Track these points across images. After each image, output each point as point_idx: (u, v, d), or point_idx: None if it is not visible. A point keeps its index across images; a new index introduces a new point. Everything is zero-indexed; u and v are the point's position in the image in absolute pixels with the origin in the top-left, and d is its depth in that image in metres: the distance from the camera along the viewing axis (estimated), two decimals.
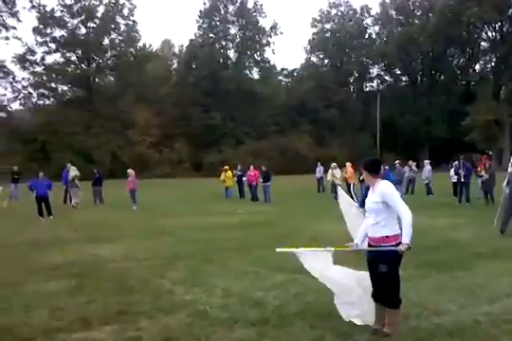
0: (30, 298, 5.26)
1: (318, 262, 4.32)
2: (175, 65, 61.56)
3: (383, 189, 3.84)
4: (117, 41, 49.48)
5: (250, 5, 52.85)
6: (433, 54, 54.39)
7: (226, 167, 19.96)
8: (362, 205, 7.24)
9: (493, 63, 52.52)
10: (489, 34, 50.47)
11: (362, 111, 55.30)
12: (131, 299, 5.09)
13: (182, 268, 6.65)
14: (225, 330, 4.15)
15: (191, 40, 53.59)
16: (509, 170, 10.03)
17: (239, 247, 8.25)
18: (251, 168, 18.83)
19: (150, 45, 57.23)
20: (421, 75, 57.70)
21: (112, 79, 51.92)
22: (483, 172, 15.39)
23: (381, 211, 3.81)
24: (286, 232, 9.75)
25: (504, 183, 9.90)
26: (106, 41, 48.89)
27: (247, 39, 53.17)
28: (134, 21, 49.47)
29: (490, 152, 46.26)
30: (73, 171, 17.27)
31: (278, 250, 4.43)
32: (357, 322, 4.16)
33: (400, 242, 3.81)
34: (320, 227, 9.83)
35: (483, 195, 15.37)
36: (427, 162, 19.45)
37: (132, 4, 49.04)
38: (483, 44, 53.02)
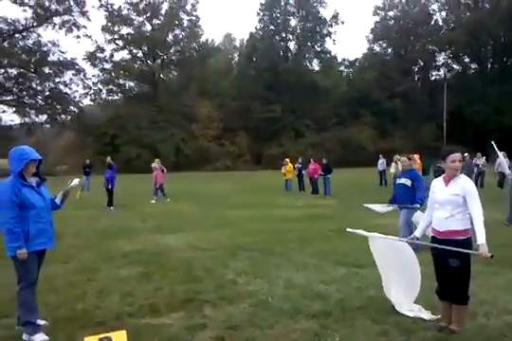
0: (103, 284, 5.59)
1: (386, 250, 4.36)
2: (236, 59, 62.15)
3: (466, 184, 3.80)
4: (180, 36, 50.65)
5: None
6: (505, 39, 51.13)
7: (286, 159, 20.00)
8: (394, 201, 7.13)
9: None
10: None
11: (427, 101, 53.13)
12: (196, 288, 5.28)
13: (245, 259, 6.80)
14: (287, 320, 4.22)
15: (251, 33, 53.85)
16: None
17: (300, 239, 8.30)
18: (312, 161, 18.75)
19: (212, 40, 58.17)
20: (491, 62, 54.54)
21: (176, 74, 53.29)
22: None
23: (460, 205, 3.76)
24: (346, 225, 9.58)
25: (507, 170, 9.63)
26: (170, 37, 50.18)
27: (308, 30, 52.55)
28: (196, 16, 50.44)
29: None
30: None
31: (349, 230, 4.46)
32: (410, 314, 4.14)
33: (470, 237, 3.74)
34: (381, 221, 9.63)
35: None
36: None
37: None
38: None
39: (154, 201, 15.83)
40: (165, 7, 49.59)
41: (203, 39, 52.85)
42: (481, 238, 3.61)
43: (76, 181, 4.46)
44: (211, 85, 50.46)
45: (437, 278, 3.97)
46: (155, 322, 4.27)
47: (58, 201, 4.32)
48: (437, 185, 3.98)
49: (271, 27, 53.24)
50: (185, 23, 50.49)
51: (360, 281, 5.43)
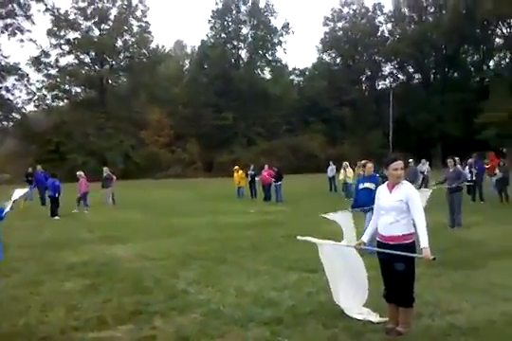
0: (47, 298, 5.35)
1: (334, 255, 4.42)
2: (187, 66, 61.79)
3: (409, 190, 3.92)
4: (130, 42, 49.75)
5: (262, 5, 52.75)
6: (447, 51, 53.79)
7: (236, 167, 20.02)
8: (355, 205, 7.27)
9: (507, 60, 51.85)
10: (504, 30, 49.84)
11: (374, 109, 54.91)
12: (146, 299, 5.15)
13: (196, 268, 6.71)
14: (238, 329, 4.19)
15: (202, 40, 53.77)
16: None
17: (252, 247, 8.30)
18: (266, 167, 18.84)
19: (163, 46, 57.51)
20: (434, 73, 57.09)
21: (125, 80, 52.28)
22: (496, 171, 15.28)
23: (404, 210, 3.87)
24: (298, 232, 9.62)
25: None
26: (119, 42, 49.16)
27: (259, 39, 53.10)
28: (147, 22, 49.75)
29: (504, 150, 45.91)
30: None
31: (299, 238, 4.52)
32: (359, 317, 4.22)
33: (414, 241, 3.86)
34: (332, 227, 9.77)
35: (497, 193, 15.26)
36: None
37: (145, 5, 49.31)
38: (497, 40, 52.41)
39: (75, 210, 15.27)
40: (114, 12, 48.66)
41: (153, 45, 52.19)
42: (423, 242, 3.74)
43: (23, 191, 4.26)
44: (162, 92, 49.85)
45: (384, 282, 4.07)
46: (103, 335, 4.13)
47: (5, 212, 4.10)
48: (382, 191, 4.09)
49: (223, 35, 53.39)
50: (135, 29, 49.72)
51: (311, 286, 5.49)
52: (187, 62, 63.14)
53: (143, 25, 49.68)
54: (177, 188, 27.67)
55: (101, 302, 5.09)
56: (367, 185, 7.56)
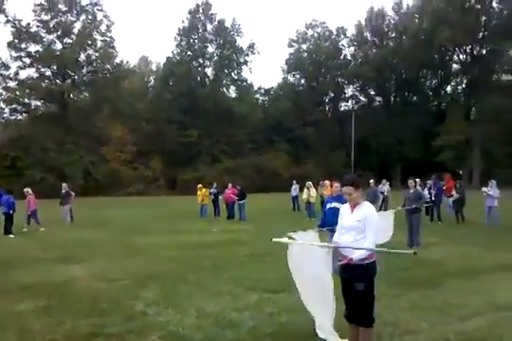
0: None
1: (305, 258, 4.35)
2: (152, 82, 61.52)
3: (369, 211, 3.99)
4: (93, 57, 49.09)
5: (228, 24, 53.54)
6: (406, 75, 55.78)
7: (200, 185, 19.89)
8: (323, 225, 7.32)
9: (464, 85, 54.23)
10: (460, 57, 52.22)
11: (337, 130, 56.07)
12: (102, 321, 4.97)
13: (156, 288, 6.55)
14: None
15: (168, 57, 53.81)
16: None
17: (214, 266, 8.19)
18: (229, 186, 18.80)
19: (127, 62, 57.20)
20: (394, 96, 58.97)
21: (87, 94, 51.44)
22: (453, 192, 15.78)
23: (363, 230, 3.91)
24: (261, 251, 9.73)
25: None
26: (82, 56, 48.49)
27: (225, 58, 53.65)
28: (111, 37, 49.34)
29: (460, 172, 47.54)
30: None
31: (274, 240, 4.50)
32: (319, 333, 4.19)
33: (375, 261, 3.90)
34: None
35: (454, 214, 15.71)
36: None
37: (110, 20, 49.01)
38: (454, 66, 54.72)
39: (25, 229, 14.66)
40: (78, 26, 48.11)
41: (117, 60, 51.76)
42: (358, 254, 3.81)
43: None
44: (125, 107, 49.23)
45: (345, 302, 4.08)
46: None
47: None
48: (344, 211, 4.15)
49: (189, 53, 53.63)
50: (99, 43, 49.17)
51: (273, 307, 5.44)
52: (151, 78, 62.92)
53: (108, 39, 49.25)
54: (139, 206, 27.16)
55: (55, 324, 4.88)
56: (334, 204, 7.63)
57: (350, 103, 61.63)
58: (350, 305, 4.02)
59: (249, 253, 9.44)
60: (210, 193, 19.42)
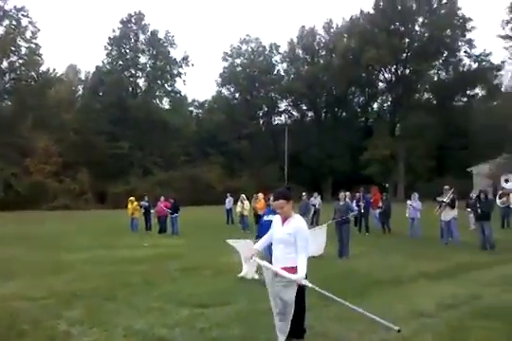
0: None
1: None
2: (81, 91, 59.39)
3: (300, 224, 4.01)
4: (17, 64, 46.74)
5: (162, 35, 53.20)
6: (336, 92, 57.89)
7: (131, 198, 19.34)
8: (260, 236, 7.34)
9: (389, 103, 57.19)
10: (386, 76, 55.08)
11: (271, 144, 56.99)
12: None
13: (81, 307, 6.21)
14: None
15: (98, 66, 52.33)
16: None
17: (144, 282, 7.92)
18: (162, 199, 18.42)
19: (54, 70, 54.89)
20: (325, 111, 61.00)
21: (9, 103, 48.69)
22: (380, 204, 16.48)
23: (292, 243, 3.94)
24: (194, 265, 9.58)
25: None
26: (5, 63, 46.02)
27: (158, 69, 53.11)
28: (37, 44, 47.26)
29: (387, 185, 49.84)
30: None
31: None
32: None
33: (306, 274, 3.94)
34: (228, 259, 9.76)
35: (380, 225, 16.39)
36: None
37: (35, 27, 46.98)
38: (380, 84, 57.53)
39: None
40: (0, 31, 45.69)
41: (43, 68, 49.57)
42: (300, 272, 3.81)
43: None
44: (51, 117, 47.02)
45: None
46: None
47: None
48: (276, 222, 4.16)
49: (120, 62, 52.50)
50: (23, 50, 46.85)
51: (204, 322, 5.33)
52: (80, 87, 60.74)
53: (33, 46, 47.03)
54: (65, 221, 25.89)
55: None
56: (271, 217, 7.69)
57: (283, 118, 63.06)
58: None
59: (181, 267, 9.25)
60: (141, 206, 18.91)
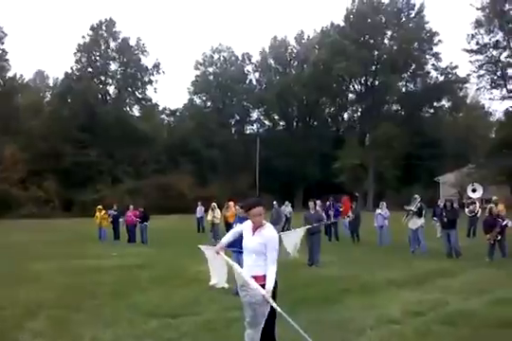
0: None
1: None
2: (49, 98, 58.18)
3: (272, 234, 3.97)
4: None
5: (133, 42, 52.73)
6: (308, 102, 58.57)
7: (99, 206, 18.98)
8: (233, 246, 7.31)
9: (359, 113, 58.23)
10: (356, 87, 56.16)
11: (243, 152, 56.99)
12: None
13: (45, 318, 6.03)
14: None
15: (66, 73, 51.42)
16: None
17: (112, 292, 7.76)
18: (131, 207, 18.14)
19: (21, 76, 53.78)
20: (297, 121, 61.63)
21: None
22: (349, 213, 16.67)
23: (264, 252, 3.91)
24: (163, 274, 9.46)
25: None
26: None
27: (128, 76, 52.60)
28: (3, 50, 46.29)
29: (357, 194, 50.47)
30: None
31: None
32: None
33: (276, 281, 3.94)
34: (199, 268, 9.67)
35: (350, 234, 16.56)
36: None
37: (2, 32, 46.03)
38: (350, 95, 58.59)
39: None
40: None
41: (10, 74, 48.48)
42: (269, 284, 3.79)
43: None
44: (17, 124, 45.84)
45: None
46: None
47: None
48: (246, 230, 4.10)
49: (89, 69, 51.78)
50: None
51: (173, 333, 5.26)
52: (48, 94, 59.56)
53: None
54: (31, 230, 25.15)
55: None
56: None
57: (255, 126, 63.35)
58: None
59: (150, 277, 9.12)
60: (109, 215, 18.57)
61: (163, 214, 35.24)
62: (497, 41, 41.74)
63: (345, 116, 62.26)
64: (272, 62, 60.40)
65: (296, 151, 54.28)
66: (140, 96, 53.86)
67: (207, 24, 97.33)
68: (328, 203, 17.61)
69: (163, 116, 60.71)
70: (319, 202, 15.23)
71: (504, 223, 11.06)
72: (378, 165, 49.90)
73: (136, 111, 54.52)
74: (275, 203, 18.93)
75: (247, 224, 4.12)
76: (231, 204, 16.55)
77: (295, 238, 9.91)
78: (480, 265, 10.36)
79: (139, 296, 7.38)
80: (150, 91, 54.16)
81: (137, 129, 48.71)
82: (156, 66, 53.53)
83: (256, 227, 4.00)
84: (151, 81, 53.58)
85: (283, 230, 19.27)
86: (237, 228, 4.21)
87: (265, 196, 37.56)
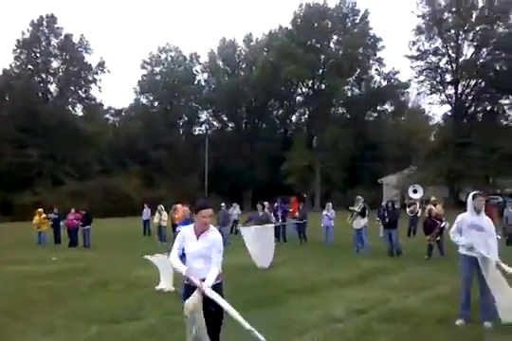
0: None
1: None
2: None
3: (217, 237, 3.93)
4: None
5: (76, 39, 50.81)
6: (256, 104, 58.77)
7: (39, 209, 18.18)
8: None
9: (307, 116, 59.15)
10: (303, 90, 56.97)
11: (191, 154, 56.38)
12: None
13: None
14: None
15: (5, 70, 48.94)
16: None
17: (50, 299, 7.42)
18: (72, 210, 17.49)
19: None
20: (246, 122, 61.70)
21: None
22: (296, 213, 16.88)
23: (210, 256, 3.87)
24: (106, 279, 9.16)
25: None
26: None
27: (71, 74, 50.64)
28: None
29: (305, 195, 51.27)
30: None
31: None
32: None
33: (221, 282, 3.90)
34: (142, 273, 9.47)
35: (297, 235, 16.75)
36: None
37: None
38: (298, 98, 59.32)
39: None
40: None
41: None
42: (209, 281, 3.76)
43: None
44: None
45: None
46: None
47: None
48: (188, 235, 3.97)
49: (29, 67, 49.55)
50: None
51: (114, 339, 5.09)
52: None
53: None
54: None
55: None
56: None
57: (204, 128, 62.88)
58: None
59: (92, 282, 8.81)
60: (49, 218, 17.81)
61: (108, 217, 34.31)
62: (436, 48, 43.71)
63: (293, 118, 63.06)
64: (221, 63, 60.20)
65: (245, 152, 54.39)
66: (84, 95, 52.07)
67: (154, 23, 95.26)
68: (276, 204, 17.73)
69: (108, 115, 59.09)
70: (267, 203, 15.37)
71: (442, 225, 11.55)
72: (325, 167, 50.90)
73: (79, 110, 52.67)
74: (223, 205, 18.83)
75: (189, 230, 4.02)
76: (179, 206, 16.34)
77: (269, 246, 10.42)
78: (420, 263, 10.76)
79: (79, 303, 7.10)
80: (94, 90, 52.49)
81: (81, 129, 47.03)
82: (101, 65, 51.96)
83: (201, 231, 3.93)
84: (95, 80, 51.91)
85: (231, 232, 19.28)
86: (176, 245, 4.06)
87: (213, 198, 37.36)
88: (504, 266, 5.26)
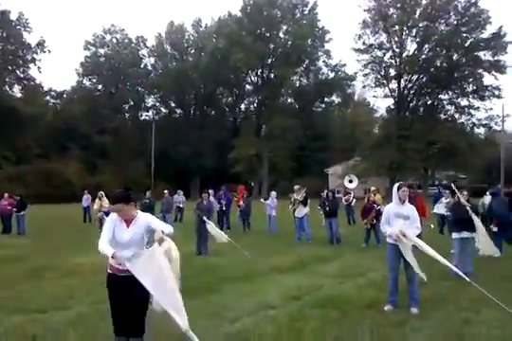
0: None
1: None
2: None
3: (146, 218, 3.83)
4: None
5: (14, 17, 47.97)
6: (205, 91, 58.20)
7: None
8: None
9: (255, 104, 59.27)
10: (253, 78, 56.96)
11: (138, 139, 55.09)
12: None
13: None
14: None
15: None
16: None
17: None
18: (5, 195, 16.63)
19: None
20: (194, 109, 61.00)
21: None
22: (241, 202, 16.91)
23: (143, 243, 3.77)
24: (39, 266, 8.81)
25: None
26: None
27: (8, 53, 47.84)
28: None
29: (252, 184, 51.54)
30: None
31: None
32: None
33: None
34: (79, 260, 9.18)
35: (241, 222, 16.82)
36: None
37: None
38: (247, 86, 59.31)
39: None
40: None
41: None
42: (167, 230, 3.73)
43: None
44: None
45: (115, 316, 3.89)
46: None
47: None
48: (118, 225, 3.83)
49: None
50: None
51: (39, 329, 4.88)
52: None
53: None
54: None
55: None
56: None
57: (151, 113, 61.59)
58: (121, 317, 3.84)
59: (23, 270, 8.43)
60: None
61: (47, 203, 33.06)
62: (381, 42, 44.88)
63: (242, 106, 63.02)
64: (168, 47, 58.99)
65: (193, 139, 53.83)
66: (22, 75, 49.47)
67: (99, 2, 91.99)
68: (221, 192, 17.67)
69: (48, 97, 56.50)
70: (212, 191, 15.29)
71: (378, 207, 12.02)
72: (273, 156, 51.36)
73: (17, 91, 50.08)
74: (166, 192, 18.58)
75: (115, 220, 3.86)
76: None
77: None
78: (357, 251, 11.09)
79: (7, 292, 6.77)
80: (33, 70, 50.18)
81: (19, 110, 44.72)
82: (41, 44, 49.41)
83: (130, 220, 3.81)
84: (34, 60, 49.37)
85: (175, 220, 19.08)
86: (106, 232, 3.88)
87: (160, 184, 36.80)
88: (420, 243, 5.47)
